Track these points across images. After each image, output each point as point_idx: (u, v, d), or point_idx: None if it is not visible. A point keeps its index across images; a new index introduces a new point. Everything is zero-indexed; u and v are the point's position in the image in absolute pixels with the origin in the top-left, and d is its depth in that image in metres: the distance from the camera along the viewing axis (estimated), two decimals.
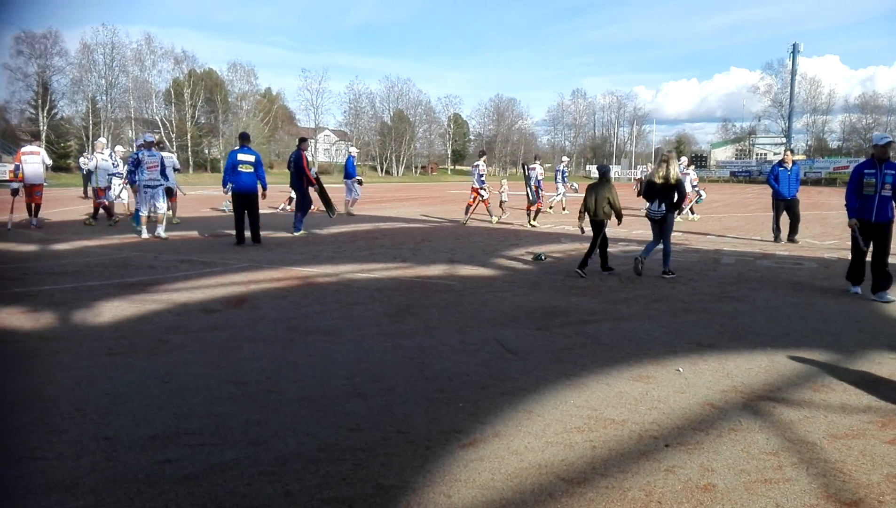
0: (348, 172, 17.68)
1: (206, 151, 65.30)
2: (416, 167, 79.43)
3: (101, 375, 4.18)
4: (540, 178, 15.31)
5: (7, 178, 14.01)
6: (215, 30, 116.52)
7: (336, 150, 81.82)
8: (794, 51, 61.87)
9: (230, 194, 11.34)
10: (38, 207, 13.50)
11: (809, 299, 6.99)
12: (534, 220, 15.32)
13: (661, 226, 8.48)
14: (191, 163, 57.08)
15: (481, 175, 15.52)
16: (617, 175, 70.90)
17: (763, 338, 5.35)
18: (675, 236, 13.09)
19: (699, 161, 69.55)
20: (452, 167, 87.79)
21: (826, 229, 15.68)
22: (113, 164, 14.39)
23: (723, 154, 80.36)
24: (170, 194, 13.52)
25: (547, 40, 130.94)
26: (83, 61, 60.86)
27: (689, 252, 10.86)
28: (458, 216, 16.97)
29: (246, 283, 7.48)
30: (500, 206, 16.80)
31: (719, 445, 3.24)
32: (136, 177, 11.65)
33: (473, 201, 15.63)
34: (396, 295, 6.96)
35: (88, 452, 3.04)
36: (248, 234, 11.00)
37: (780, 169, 12.41)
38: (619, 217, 8.64)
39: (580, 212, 8.71)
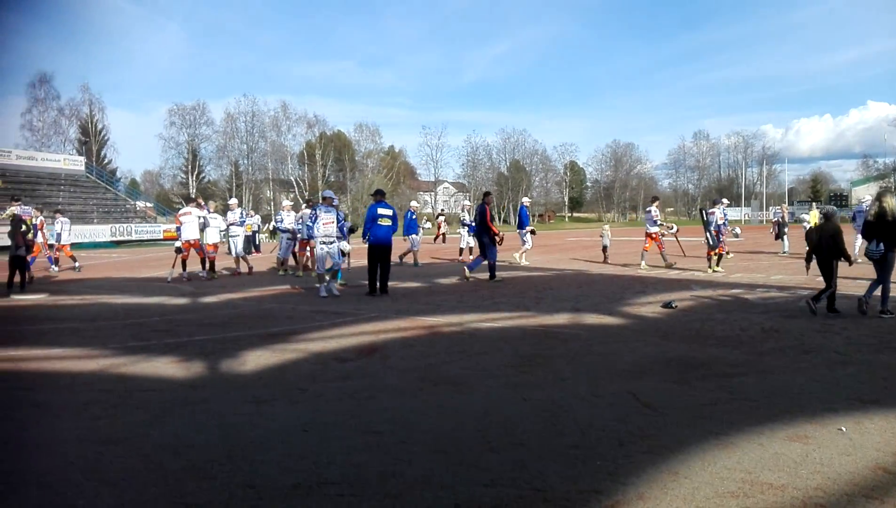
0: (522, 221, 17.81)
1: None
2: (533, 216, 79.32)
3: (247, 423, 4.39)
4: (720, 222, 14.81)
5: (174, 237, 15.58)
6: (343, 95, 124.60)
7: (454, 201, 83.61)
8: None
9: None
10: (205, 260, 14.80)
11: None
12: (716, 265, 14.49)
13: (881, 265, 8.30)
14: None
15: (655, 220, 15.73)
16: (747, 217, 67.12)
17: None
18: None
19: (839, 200, 64.42)
20: (569, 215, 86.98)
21: None
22: (240, 220, 15.97)
23: (865, 192, 73.92)
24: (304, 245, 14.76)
25: (663, 84, 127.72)
26: (227, 129, 67.09)
27: (839, 299, 9.94)
28: (579, 264, 16.69)
29: (375, 332, 7.69)
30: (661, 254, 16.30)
31: None
32: (314, 232, 11.54)
33: (648, 247, 15.69)
34: (522, 344, 6.87)
35: (236, 499, 3.17)
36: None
37: None
38: (847, 258, 8.54)
39: (807, 254, 9.01)
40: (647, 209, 16.31)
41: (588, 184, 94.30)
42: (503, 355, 6.38)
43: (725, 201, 18.19)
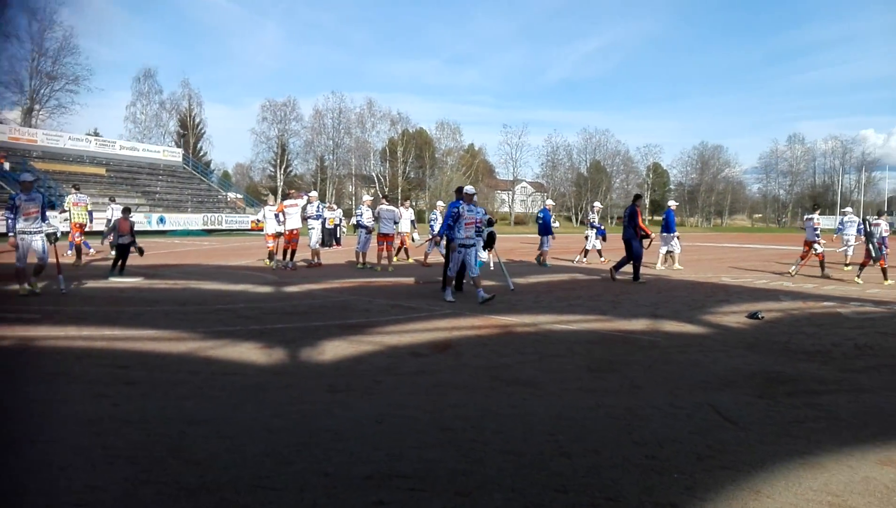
0: (669, 225, 16.99)
1: (414, 203, 70.03)
2: (611, 218, 77.67)
3: (323, 411, 4.53)
4: (885, 234, 14.19)
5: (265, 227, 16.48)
6: (426, 92, 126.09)
7: (532, 201, 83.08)
8: None
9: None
10: (293, 251, 15.51)
11: None
12: (886, 279, 13.67)
13: None
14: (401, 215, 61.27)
15: (816, 229, 15.65)
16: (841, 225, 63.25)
17: None
18: None
19: None
20: (650, 218, 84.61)
21: None
22: (316, 214, 16.46)
23: None
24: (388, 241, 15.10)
25: (757, 84, 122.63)
26: (315, 125, 69.17)
27: None
28: (655, 268, 16.24)
29: (449, 329, 7.75)
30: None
31: None
32: (454, 234, 10.29)
33: (805, 255, 15.63)
34: (597, 349, 6.76)
35: (311, 486, 3.27)
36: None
37: None
38: None
39: None
40: (809, 217, 16.24)
41: (672, 187, 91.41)
42: (577, 358, 6.30)
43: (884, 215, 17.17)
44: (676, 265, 16.78)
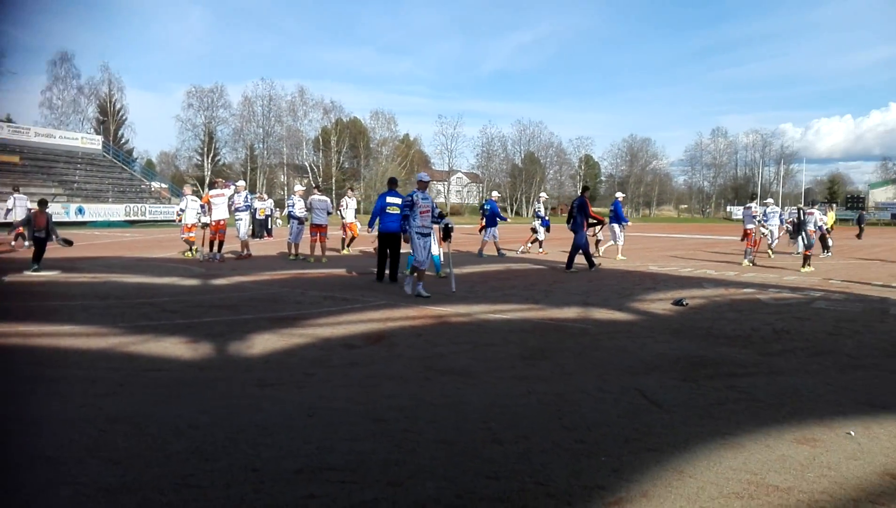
0: (619, 216, 17.54)
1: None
2: (545, 208, 79.12)
3: (252, 405, 4.40)
4: (820, 224, 15.20)
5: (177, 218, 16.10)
6: (360, 81, 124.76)
7: (468, 191, 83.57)
8: None
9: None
10: (221, 243, 15.13)
11: None
12: (805, 267, 14.62)
13: None
14: (334, 205, 60.39)
15: (754, 216, 16.63)
16: (760, 217, 66.45)
17: None
18: (833, 284, 11.99)
19: (855, 202, 63.61)
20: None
21: None
22: (245, 204, 16.10)
23: (882, 195, 73.16)
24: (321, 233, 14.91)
25: (684, 79, 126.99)
26: (244, 112, 67.23)
27: (851, 301, 9.85)
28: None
29: (384, 320, 7.69)
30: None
31: None
32: (410, 223, 10.05)
33: (752, 242, 16.48)
34: (530, 337, 6.85)
35: (238, 482, 3.17)
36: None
37: None
38: None
39: None
40: (748, 206, 17.09)
41: (602, 178, 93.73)
42: (511, 347, 6.37)
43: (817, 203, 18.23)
44: (619, 256, 17.25)
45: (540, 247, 19.15)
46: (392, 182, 12.35)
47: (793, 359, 6.00)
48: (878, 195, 74.28)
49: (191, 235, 15.73)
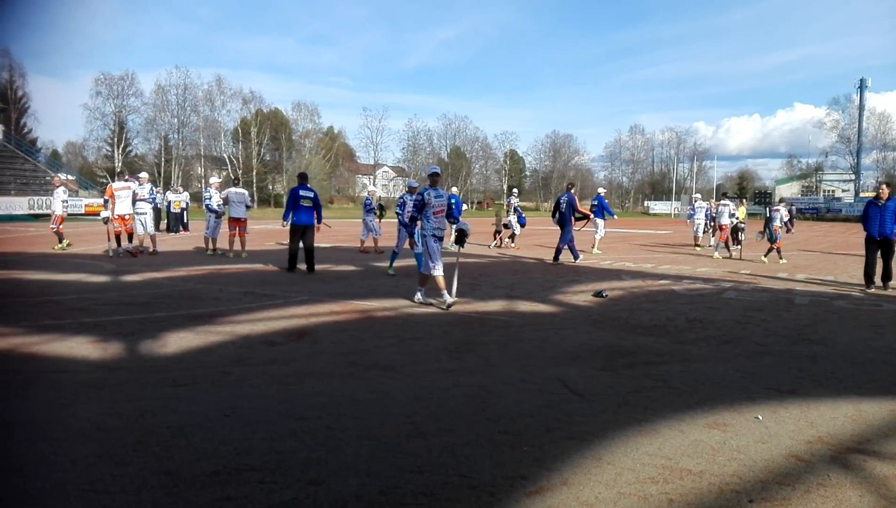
0: (604, 209, 18.22)
1: (270, 187, 67.40)
2: (472, 202, 79.78)
3: (165, 407, 4.20)
4: (786, 218, 16.02)
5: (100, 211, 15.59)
6: (281, 72, 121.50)
7: (393, 185, 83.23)
8: (862, 86, 60.06)
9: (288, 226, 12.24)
10: (130, 236, 14.52)
11: (893, 343, 6.54)
12: (767, 258, 15.71)
13: None
14: (255, 198, 58.84)
15: (733, 213, 17.30)
16: (677, 211, 69.44)
17: (846, 384, 5.01)
18: (743, 276, 12.62)
19: (763, 197, 67.36)
20: (507, 204, 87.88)
21: None
22: (150, 197, 15.61)
23: (788, 191, 77.71)
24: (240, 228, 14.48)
25: (603, 78, 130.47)
26: (157, 102, 64.16)
27: (758, 292, 10.40)
28: (514, 251, 16.86)
29: (307, 316, 7.52)
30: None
31: (808, 502, 2.98)
32: (426, 226, 8.60)
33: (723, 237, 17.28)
34: (455, 331, 6.86)
35: (149, 487, 3.02)
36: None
37: (872, 205, 10.99)
38: None
39: None
40: (724, 203, 17.54)
41: (527, 173, 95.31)
42: (436, 340, 6.36)
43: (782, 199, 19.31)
44: (595, 250, 17.74)
45: (512, 242, 19.34)
46: (302, 177, 12.80)
47: (705, 347, 6.26)
48: (784, 191, 78.79)
49: (61, 226, 15.75)
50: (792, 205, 17.75)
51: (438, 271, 8.39)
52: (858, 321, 7.83)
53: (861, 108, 61.46)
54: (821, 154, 74.90)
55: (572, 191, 14.99)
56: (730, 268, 14.06)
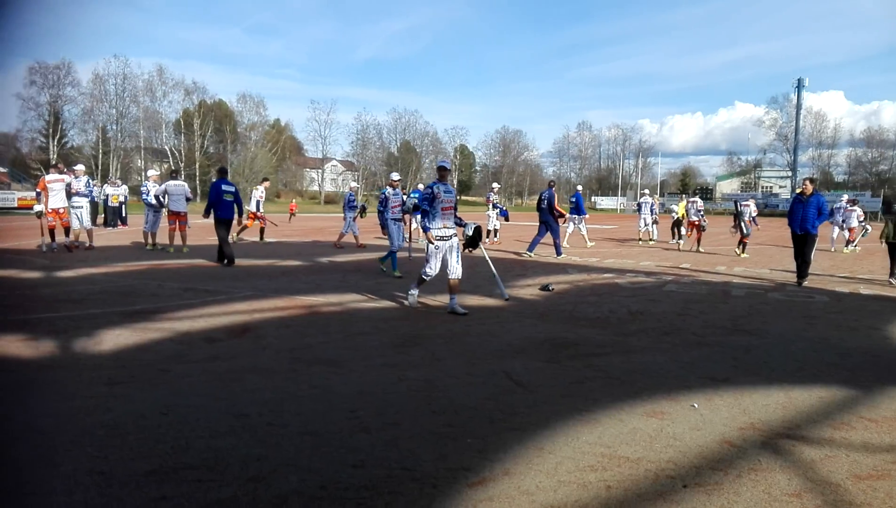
0: (580, 208, 18.81)
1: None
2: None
3: (100, 406, 4.06)
4: (754, 214, 16.82)
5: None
6: (226, 62, 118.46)
7: (342, 180, 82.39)
8: (800, 86, 62.46)
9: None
10: (67, 230, 13.99)
11: (823, 333, 6.84)
12: (742, 253, 16.31)
13: None
14: (199, 192, 57.27)
15: (699, 210, 18.35)
16: (623, 206, 71.03)
17: (778, 373, 5.21)
18: (683, 268, 12.99)
19: (704, 193, 69.55)
20: (458, 198, 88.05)
21: (835, 262, 15.54)
22: (86, 189, 14.89)
23: (728, 187, 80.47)
24: (181, 222, 14.13)
25: (552, 74, 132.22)
26: (95, 92, 61.81)
27: (698, 284, 10.72)
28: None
29: (250, 312, 7.38)
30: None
31: (739, 486, 3.09)
32: (426, 223, 7.88)
33: (689, 232, 18.52)
34: (402, 325, 6.85)
35: (82, 487, 2.92)
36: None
37: (796, 201, 11.13)
38: None
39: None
40: (692, 200, 18.91)
41: (477, 168, 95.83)
42: (382, 335, 6.33)
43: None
44: (565, 243, 18.15)
45: (495, 236, 19.35)
46: (222, 171, 13.17)
47: (645, 338, 6.42)
48: (724, 187, 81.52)
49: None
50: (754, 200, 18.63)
51: (430, 274, 7.77)
52: (791, 312, 8.16)
53: (798, 107, 64.04)
54: (760, 151, 77.86)
55: (553, 188, 15.51)
56: (672, 261, 14.46)
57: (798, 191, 11.61)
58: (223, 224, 12.38)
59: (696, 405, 4.30)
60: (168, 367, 4.98)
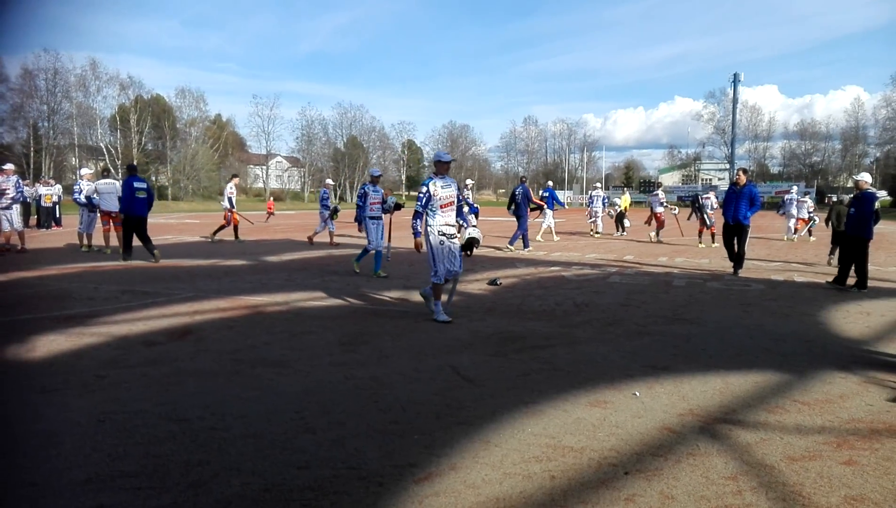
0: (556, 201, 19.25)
1: (154, 178, 63.62)
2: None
3: (33, 414, 3.90)
4: (715, 207, 17.11)
5: None
6: (163, 56, 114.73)
7: (288, 176, 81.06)
8: (735, 80, 64.43)
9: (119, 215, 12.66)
10: None
11: (759, 320, 7.11)
12: (712, 243, 17.13)
13: None
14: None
15: (662, 201, 19.42)
16: (569, 200, 72.14)
17: (716, 360, 5.39)
18: (627, 260, 13.30)
19: (647, 186, 71.26)
20: (407, 193, 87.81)
21: (771, 251, 16.17)
22: (16, 190, 14.06)
23: (670, 179, 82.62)
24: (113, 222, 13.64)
25: (497, 69, 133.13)
26: (24, 87, 58.88)
27: (640, 275, 10.99)
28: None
29: (191, 314, 7.19)
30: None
31: (678, 471, 3.19)
32: (431, 221, 7.08)
33: (649, 220, 19.47)
34: (349, 323, 6.79)
35: (11, 500, 2.80)
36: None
37: (730, 191, 11.24)
38: None
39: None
40: (654, 193, 19.79)
41: (425, 163, 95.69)
42: (329, 334, 6.27)
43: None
44: (539, 238, 18.58)
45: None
46: (132, 168, 13.09)
47: (590, 329, 6.55)
48: (666, 179, 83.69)
49: None
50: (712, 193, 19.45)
51: (439, 278, 6.99)
52: (729, 300, 8.45)
53: (735, 101, 66.12)
54: (699, 145, 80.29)
55: (525, 183, 16.06)
56: (616, 254, 14.78)
57: (732, 182, 11.90)
58: (132, 220, 12.29)
59: (637, 394, 4.41)
60: (105, 373, 4.81)
